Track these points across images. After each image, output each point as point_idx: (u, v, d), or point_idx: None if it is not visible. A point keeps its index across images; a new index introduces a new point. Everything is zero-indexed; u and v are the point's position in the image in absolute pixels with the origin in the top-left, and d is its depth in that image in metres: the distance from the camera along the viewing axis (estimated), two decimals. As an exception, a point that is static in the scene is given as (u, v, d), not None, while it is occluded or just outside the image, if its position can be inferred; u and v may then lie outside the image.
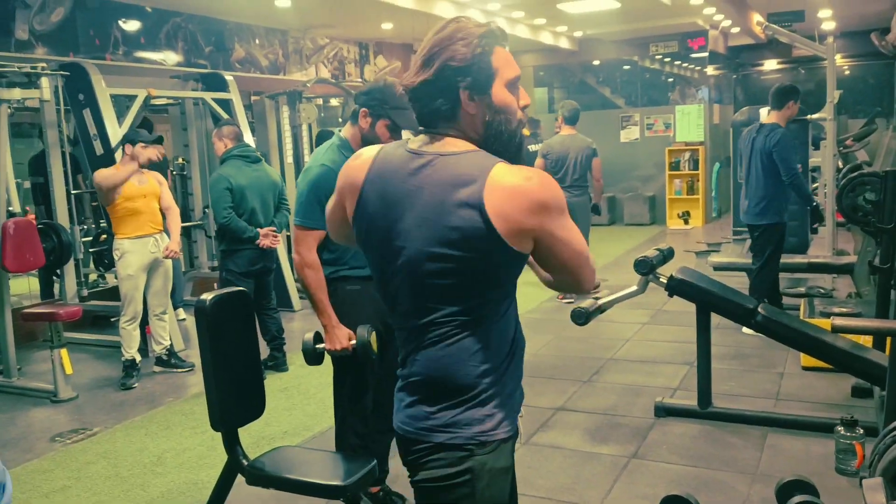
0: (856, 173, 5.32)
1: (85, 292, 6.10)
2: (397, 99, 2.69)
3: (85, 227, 6.43)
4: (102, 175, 4.91)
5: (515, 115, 1.55)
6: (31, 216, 6.12)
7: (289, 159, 7.61)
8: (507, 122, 1.53)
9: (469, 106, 1.51)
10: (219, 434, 2.53)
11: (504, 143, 1.54)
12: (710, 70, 12.63)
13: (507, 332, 1.56)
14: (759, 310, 3.73)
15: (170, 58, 7.88)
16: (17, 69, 5.41)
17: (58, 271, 5.84)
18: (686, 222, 11.75)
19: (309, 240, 2.77)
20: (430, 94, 1.52)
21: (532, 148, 8.45)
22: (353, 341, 2.77)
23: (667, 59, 12.99)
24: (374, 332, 2.76)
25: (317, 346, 2.79)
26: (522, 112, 1.57)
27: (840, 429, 3.21)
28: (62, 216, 5.71)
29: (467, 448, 1.49)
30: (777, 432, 3.76)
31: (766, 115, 8.10)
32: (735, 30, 12.26)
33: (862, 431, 3.16)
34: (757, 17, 10.67)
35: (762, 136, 5.27)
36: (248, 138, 6.57)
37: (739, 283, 5.62)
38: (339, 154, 2.82)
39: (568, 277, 1.57)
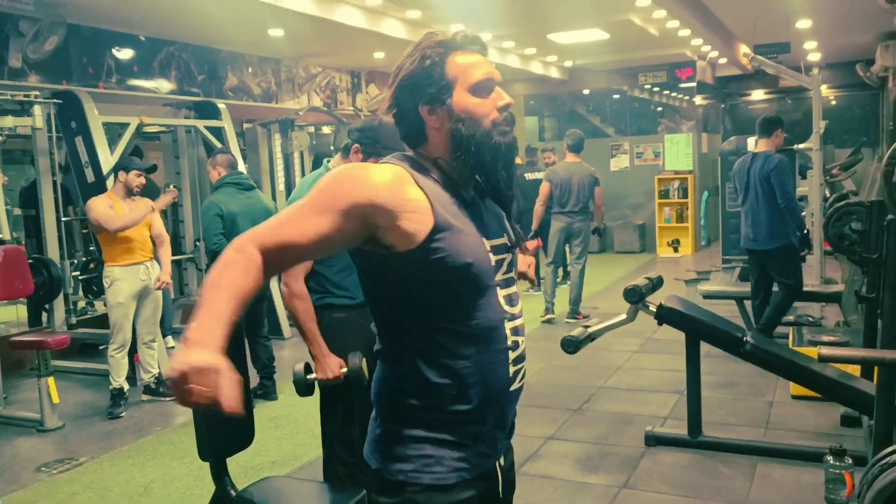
0: (842, 203, 5.39)
1: (73, 320, 6.08)
2: (391, 139, 2.70)
3: (75, 260, 6.40)
4: (115, 221, 4.83)
5: (483, 118, 1.46)
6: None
7: (280, 187, 7.64)
8: (470, 128, 1.45)
9: (431, 120, 1.47)
10: (207, 464, 2.51)
11: (472, 152, 1.45)
12: (699, 100, 12.78)
13: (430, 377, 1.44)
14: (748, 339, 3.75)
15: (163, 86, 7.92)
16: (9, 97, 5.44)
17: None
18: (676, 250, 11.81)
19: (296, 270, 2.77)
20: (398, 119, 1.52)
21: (530, 176, 8.54)
22: (344, 369, 2.77)
23: (656, 89, 13.14)
24: (364, 359, 2.76)
25: (308, 376, 2.78)
26: (500, 112, 1.48)
27: (829, 458, 3.22)
28: (52, 249, 5.69)
29: (394, 482, 1.47)
30: (767, 461, 3.75)
31: (753, 144, 8.19)
32: (722, 60, 12.43)
33: (851, 461, 3.17)
34: (743, 49, 10.83)
35: (758, 164, 5.36)
36: (241, 166, 6.60)
37: (728, 311, 5.65)
38: None
39: None
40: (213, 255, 4.88)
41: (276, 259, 1.35)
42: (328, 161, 2.96)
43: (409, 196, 1.39)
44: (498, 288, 1.50)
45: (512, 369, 1.51)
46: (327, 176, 1.41)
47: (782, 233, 5.34)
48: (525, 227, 7.73)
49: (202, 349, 1.19)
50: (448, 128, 1.46)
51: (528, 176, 8.56)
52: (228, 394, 1.18)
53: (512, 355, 1.50)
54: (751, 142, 8.29)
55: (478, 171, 1.48)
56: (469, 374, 1.44)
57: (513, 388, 1.52)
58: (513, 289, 1.55)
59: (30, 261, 5.24)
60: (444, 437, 1.45)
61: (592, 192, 7.03)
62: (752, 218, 5.41)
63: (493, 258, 1.49)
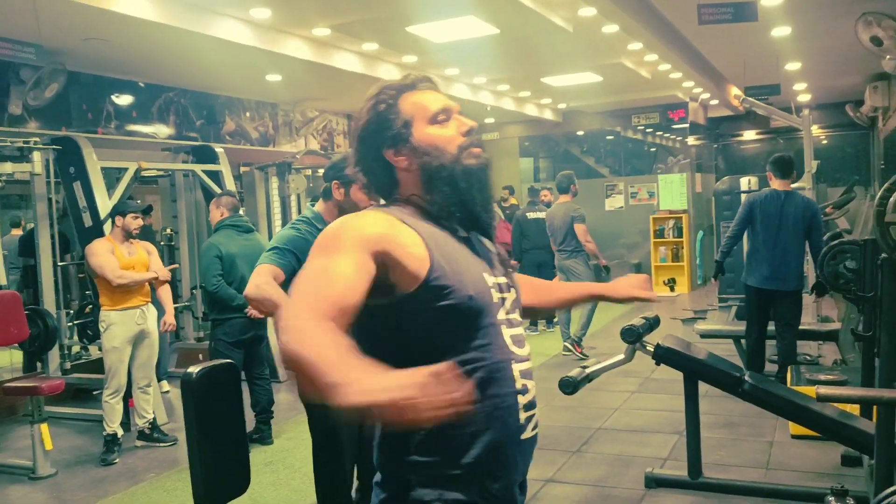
0: (836, 241, 5.41)
1: (68, 365, 6.03)
2: None
3: (70, 311, 6.35)
4: (117, 276, 4.83)
5: (448, 145, 1.45)
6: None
7: (277, 229, 7.66)
8: (438, 158, 1.43)
9: (399, 162, 1.45)
10: (202, 511, 2.47)
11: (445, 180, 1.43)
12: (691, 140, 12.93)
13: (433, 427, 1.34)
14: (746, 378, 3.73)
15: (161, 131, 8.00)
16: (9, 143, 5.48)
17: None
18: (672, 289, 11.82)
19: (263, 270, 2.74)
20: (367, 173, 1.50)
21: (531, 215, 8.65)
22: None
23: (649, 130, 13.30)
24: None
25: None
26: (465, 136, 1.46)
27: (831, 499, 3.17)
28: (48, 297, 5.67)
29: None
30: (768, 503, 3.71)
31: (746, 183, 8.24)
32: (714, 102, 12.63)
33: (853, 501, 3.13)
34: (734, 91, 11.00)
35: (798, 204, 5.33)
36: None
37: (726, 350, 5.64)
38: (309, 225, 2.85)
39: None
40: (211, 296, 4.89)
41: (342, 323, 1.25)
42: (312, 205, 2.98)
43: (403, 235, 1.37)
44: (503, 326, 1.44)
45: (523, 415, 1.43)
46: (326, 234, 1.38)
47: (802, 275, 5.42)
48: (526, 264, 7.93)
49: (381, 373, 1.10)
50: (417, 164, 1.45)
51: (530, 215, 8.65)
52: (463, 388, 1.08)
53: (522, 400, 1.43)
54: (744, 181, 8.38)
55: (454, 199, 1.44)
56: (476, 422, 1.36)
57: (524, 436, 1.44)
58: (518, 329, 1.48)
59: (26, 312, 5.22)
60: (453, 496, 1.37)
61: (572, 228, 7.14)
62: (782, 258, 5.31)
63: (495, 294, 1.44)
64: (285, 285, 2.75)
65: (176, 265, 6.19)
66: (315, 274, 1.30)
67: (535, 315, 1.86)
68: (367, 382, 1.08)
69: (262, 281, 2.71)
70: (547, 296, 1.81)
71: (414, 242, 1.37)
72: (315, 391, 1.12)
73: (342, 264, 1.29)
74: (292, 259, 2.76)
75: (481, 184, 1.46)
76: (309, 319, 1.21)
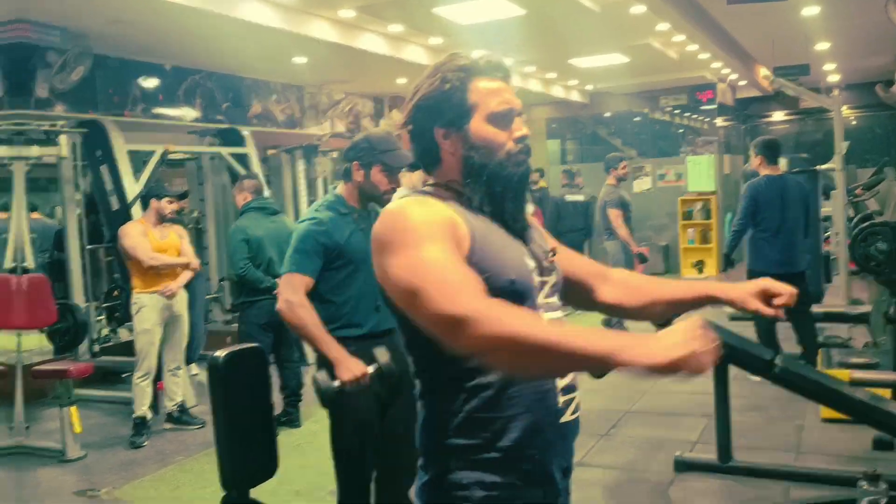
0: (867, 223, 5.31)
1: (96, 348, 6.09)
2: (383, 142, 2.69)
3: (97, 304, 6.37)
4: (150, 258, 4.87)
5: (499, 148, 1.42)
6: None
7: (304, 212, 7.67)
8: (484, 157, 1.41)
9: (445, 144, 1.43)
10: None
11: (483, 181, 1.41)
12: (720, 121, 12.73)
13: (472, 410, 1.38)
14: (777, 361, 3.67)
15: (188, 114, 8.02)
16: (36, 127, 5.51)
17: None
18: (700, 271, 11.69)
19: (294, 282, 2.71)
20: (411, 139, 1.48)
21: (570, 198, 8.58)
22: (371, 368, 2.57)
23: (676, 111, 13.11)
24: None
25: (334, 383, 2.56)
26: (516, 143, 1.44)
27: (863, 483, 3.11)
28: (78, 289, 5.70)
29: None
30: (800, 487, 3.66)
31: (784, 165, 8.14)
32: (742, 83, 12.39)
33: (885, 486, 3.07)
34: (763, 71, 10.80)
35: (792, 187, 5.34)
36: (265, 192, 6.65)
37: (755, 333, 5.55)
38: (331, 211, 2.80)
39: (422, 325, 1.28)
40: (239, 279, 4.92)
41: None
42: (335, 188, 2.94)
43: (451, 217, 1.38)
44: (542, 310, 1.44)
45: (561, 399, 1.44)
46: (395, 226, 1.35)
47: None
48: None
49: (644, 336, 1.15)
50: (461, 154, 1.43)
51: (568, 198, 8.55)
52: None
53: (560, 383, 1.44)
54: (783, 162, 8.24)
55: (486, 200, 1.43)
56: (514, 405, 1.38)
57: (564, 419, 1.45)
58: (557, 313, 1.49)
59: (56, 305, 5.25)
60: (492, 479, 1.37)
61: (605, 212, 7.19)
62: (789, 241, 5.30)
63: (535, 278, 1.44)
64: (316, 288, 2.75)
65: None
66: (414, 268, 1.28)
67: (634, 317, 1.71)
68: (644, 346, 1.12)
69: (295, 300, 2.69)
70: (643, 295, 1.65)
71: (458, 222, 1.38)
72: (534, 366, 1.21)
73: (435, 248, 1.29)
74: (318, 261, 2.73)
75: (516, 193, 1.45)
76: (479, 301, 1.21)
